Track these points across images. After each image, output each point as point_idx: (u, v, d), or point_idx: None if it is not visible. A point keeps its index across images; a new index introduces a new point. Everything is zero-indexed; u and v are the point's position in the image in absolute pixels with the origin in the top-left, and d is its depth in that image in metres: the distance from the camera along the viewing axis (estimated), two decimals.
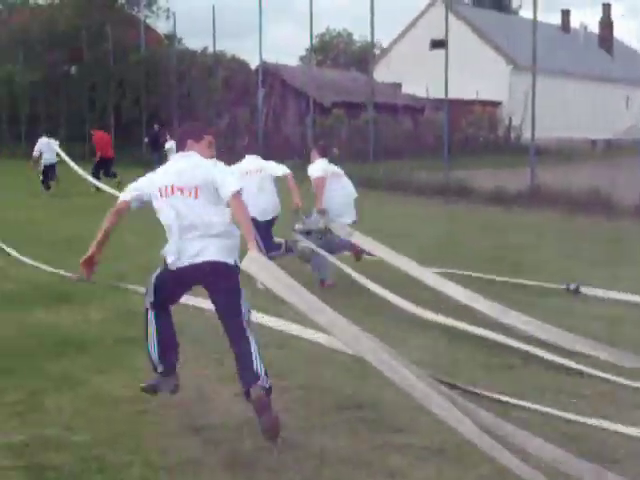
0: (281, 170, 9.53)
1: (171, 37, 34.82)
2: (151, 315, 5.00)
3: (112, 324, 7.63)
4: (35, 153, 20.72)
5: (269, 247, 8.44)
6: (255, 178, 9.23)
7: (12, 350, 6.72)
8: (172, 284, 4.89)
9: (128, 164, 30.30)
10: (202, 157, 4.94)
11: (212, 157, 5.01)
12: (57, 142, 21.61)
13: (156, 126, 28.54)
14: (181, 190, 4.74)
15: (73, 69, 36.29)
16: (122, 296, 8.80)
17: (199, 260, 4.68)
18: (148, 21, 38.05)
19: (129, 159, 30.99)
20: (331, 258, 8.41)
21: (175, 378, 5.10)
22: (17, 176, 25.07)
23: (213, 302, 4.86)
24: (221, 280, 4.74)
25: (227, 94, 28.80)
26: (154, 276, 4.97)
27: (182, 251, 4.69)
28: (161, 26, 38.73)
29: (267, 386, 4.51)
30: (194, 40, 68.36)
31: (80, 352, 6.65)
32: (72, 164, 20.31)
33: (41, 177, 20.56)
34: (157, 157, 25.70)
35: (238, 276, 4.81)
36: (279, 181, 9.71)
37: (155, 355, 4.99)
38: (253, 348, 4.60)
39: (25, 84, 37.87)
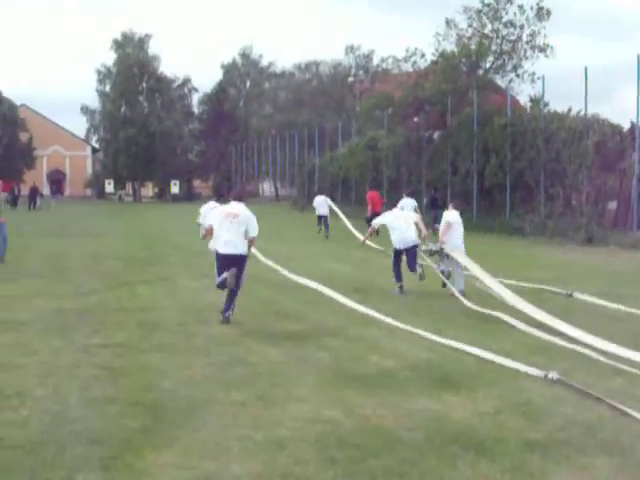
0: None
1: (536, 100, 33.65)
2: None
3: (509, 419, 6.44)
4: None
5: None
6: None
7: (392, 444, 5.75)
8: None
9: (490, 229, 29.46)
10: None
11: None
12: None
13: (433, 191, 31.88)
14: None
15: (436, 134, 36.47)
16: (513, 381, 7.63)
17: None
18: (512, 85, 37.35)
19: (491, 224, 30.12)
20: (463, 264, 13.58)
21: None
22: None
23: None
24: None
25: (597, 158, 26.88)
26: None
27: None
28: (525, 89, 37.68)
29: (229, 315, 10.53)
30: (560, 103, 66.48)
31: (479, 455, 5.50)
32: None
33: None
34: (434, 215, 28.15)
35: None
36: None
37: (218, 279, 10.70)
38: (235, 295, 10.70)
39: (388, 148, 38.84)
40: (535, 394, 7.18)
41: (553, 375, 7.61)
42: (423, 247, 14.23)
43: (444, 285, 13.81)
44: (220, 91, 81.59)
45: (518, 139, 30.07)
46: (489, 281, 12.78)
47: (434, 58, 36.71)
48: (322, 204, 28.99)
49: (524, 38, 36.69)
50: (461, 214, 14.46)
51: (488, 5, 35.69)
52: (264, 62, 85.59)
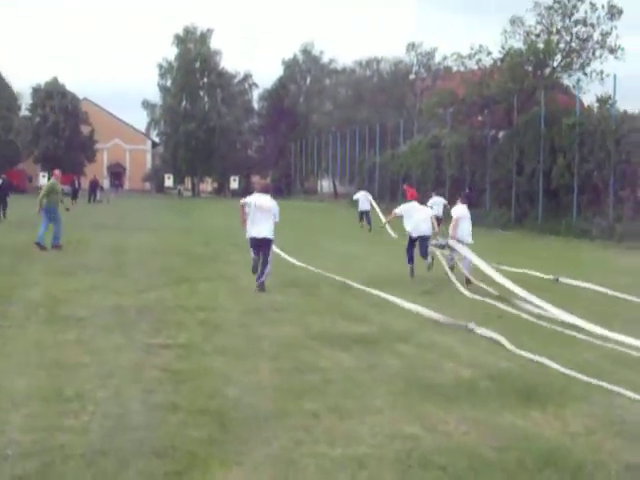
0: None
1: (604, 100, 32.65)
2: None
3: (605, 439, 5.90)
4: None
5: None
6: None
7: (481, 466, 5.25)
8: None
9: (556, 231, 28.68)
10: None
11: None
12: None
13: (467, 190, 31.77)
14: None
15: (501, 133, 35.67)
16: (604, 397, 7.07)
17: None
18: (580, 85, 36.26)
19: (556, 226, 29.33)
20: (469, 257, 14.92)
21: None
22: None
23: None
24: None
25: None
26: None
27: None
28: (592, 89, 36.60)
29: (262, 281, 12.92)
30: (629, 104, 64.79)
31: None
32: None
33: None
34: None
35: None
36: None
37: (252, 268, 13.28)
38: (267, 269, 12.97)
39: (451, 147, 38.14)
40: (629, 412, 6.61)
41: None
42: (433, 241, 15.67)
43: (468, 282, 14.54)
44: (280, 87, 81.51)
45: (587, 139, 29.21)
46: (494, 274, 13.88)
47: (500, 56, 35.76)
48: (363, 200, 30.48)
49: (595, 37, 35.59)
50: (469, 207, 16.46)
51: (559, 2, 34.65)
52: (325, 58, 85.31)
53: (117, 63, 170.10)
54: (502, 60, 35.63)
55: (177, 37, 79.01)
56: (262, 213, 12.98)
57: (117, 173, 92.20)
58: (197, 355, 8.14)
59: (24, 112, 78.86)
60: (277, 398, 6.67)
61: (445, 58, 70.51)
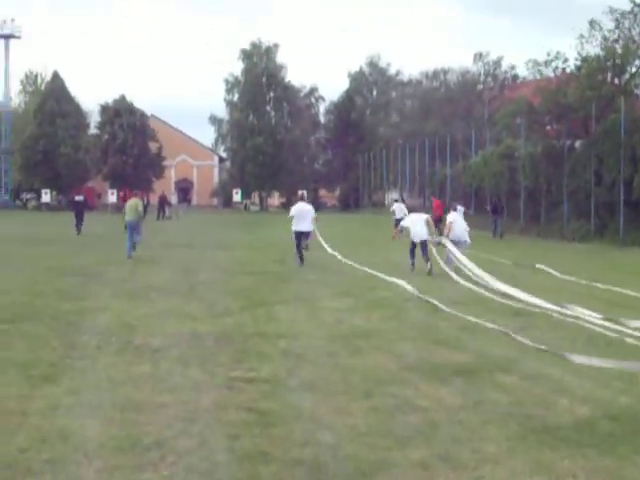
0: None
1: None
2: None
3: None
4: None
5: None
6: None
7: None
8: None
9: (634, 243, 27.51)
10: None
11: None
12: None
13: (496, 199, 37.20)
14: None
15: (577, 142, 34.39)
16: None
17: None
18: None
19: (636, 237, 28.13)
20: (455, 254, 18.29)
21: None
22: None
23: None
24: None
25: None
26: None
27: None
28: None
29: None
30: None
31: None
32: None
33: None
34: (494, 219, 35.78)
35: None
36: None
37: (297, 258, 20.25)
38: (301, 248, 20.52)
39: (525, 158, 36.99)
40: None
41: None
42: (429, 238, 19.06)
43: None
44: (347, 100, 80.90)
45: None
46: (476, 270, 17.11)
47: (577, 62, 34.49)
48: (399, 211, 32.20)
49: None
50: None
51: (638, 5, 33.28)
52: (391, 70, 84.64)
53: (184, 79, 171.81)
54: (579, 67, 34.33)
55: (244, 52, 79.14)
56: (306, 214, 20.57)
57: (185, 189, 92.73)
58: (283, 392, 7.45)
59: (93, 130, 79.88)
60: (377, 445, 5.94)
61: (513, 67, 69.76)
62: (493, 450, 5.87)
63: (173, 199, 75.96)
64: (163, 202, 53.11)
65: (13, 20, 78.41)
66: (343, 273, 19.00)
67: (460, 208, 26.90)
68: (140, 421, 6.41)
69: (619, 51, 34.09)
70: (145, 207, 50.18)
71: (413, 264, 19.08)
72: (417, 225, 19.09)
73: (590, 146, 32.48)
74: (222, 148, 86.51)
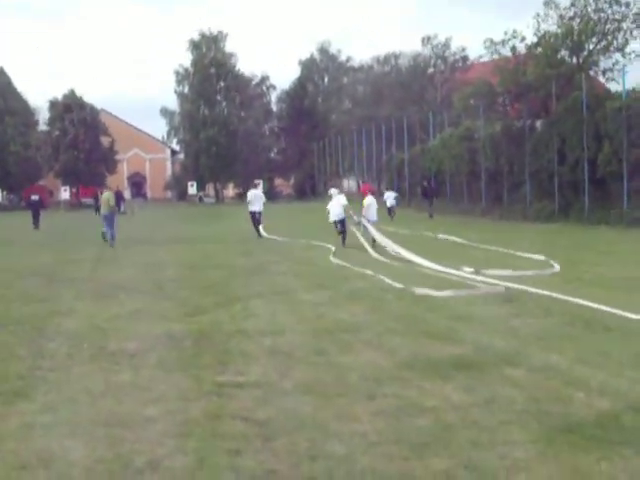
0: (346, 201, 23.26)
1: None
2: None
3: None
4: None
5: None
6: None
7: None
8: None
9: (605, 221, 27.37)
10: None
11: None
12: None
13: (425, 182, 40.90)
14: None
15: (539, 122, 34.19)
16: None
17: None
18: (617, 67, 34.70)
19: (605, 216, 27.98)
20: (371, 230, 22.12)
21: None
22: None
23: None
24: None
25: None
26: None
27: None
28: (633, 71, 34.95)
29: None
30: None
31: None
32: None
33: None
34: (428, 202, 39.32)
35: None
36: None
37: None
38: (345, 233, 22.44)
39: (485, 139, 36.75)
40: None
41: None
42: (350, 220, 22.90)
43: (374, 242, 21.48)
44: (299, 87, 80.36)
45: (634, 123, 27.69)
46: (389, 244, 20.51)
47: (534, 41, 34.20)
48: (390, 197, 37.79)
49: (631, 17, 34.04)
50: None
51: None
52: (342, 57, 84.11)
53: (133, 72, 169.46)
54: (537, 44, 34.07)
55: (192, 42, 78.08)
56: (340, 204, 22.97)
57: (138, 183, 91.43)
58: (278, 397, 6.84)
59: (42, 127, 78.20)
60: (393, 455, 5.38)
61: (463, 49, 69.54)
62: (521, 455, 5.34)
63: (126, 194, 74.58)
64: (119, 198, 51.91)
65: None
66: (311, 263, 18.53)
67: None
68: (128, 438, 5.76)
69: (576, 28, 33.89)
70: (120, 199, 49.46)
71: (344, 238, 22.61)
72: (336, 207, 22.76)
73: (552, 125, 32.29)
74: (175, 141, 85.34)
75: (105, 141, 75.42)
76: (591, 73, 35.24)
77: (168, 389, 7.13)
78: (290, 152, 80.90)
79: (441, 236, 25.24)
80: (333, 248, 21.09)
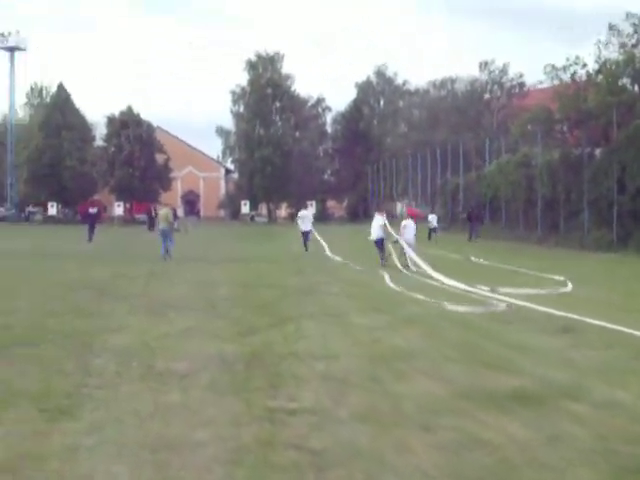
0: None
1: None
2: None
3: None
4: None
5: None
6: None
7: None
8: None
9: None
10: None
11: None
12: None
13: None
14: None
15: (598, 150, 33.57)
16: None
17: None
18: None
19: None
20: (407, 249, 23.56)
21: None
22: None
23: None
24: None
25: None
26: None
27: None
28: None
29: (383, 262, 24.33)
30: None
31: None
32: None
33: None
34: (470, 226, 40.18)
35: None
36: None
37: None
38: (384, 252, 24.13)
39: (543, 166, 36.19)
40: None
41: None
42: (390, 238, 24.14)
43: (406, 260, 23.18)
44: (354, 109, 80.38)
45: None
46: (422, 264, 21.46)
47: (596, 67, 33.67)
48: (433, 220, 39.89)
49: None
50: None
51: None
52: (399, 80, 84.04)
53: (190, 91, 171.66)
54: (598, 71, 33.54)
55: (249, 63, 78.73)
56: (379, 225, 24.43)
57: (191, 201, 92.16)
58: (333, 424, 6.59)
59: (98, 142, 79.36)
60: None
61: (521, 75, 69.01)
62: None
63: (180, 211, 75.20)
64: (173, 215, 52.36)
65: (18, 32, 78.15)
66: (365, 285, 18.28)
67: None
68: (176, 464, 5.56)
69: (638, 56, 33.28)
70: (153, 220, 49.91)
71: (383, 259, 23.85)
72: (375, 227, 24.21)
73: (612, 153, 31.68)
74: (229, 160, 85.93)
75: (160, 158, 76.22)
76: None
77: (218, 413, 6.92)
78: (344, 174, 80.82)
79: (473, 259, 27.07)
80: (386, 274, 20.68)
